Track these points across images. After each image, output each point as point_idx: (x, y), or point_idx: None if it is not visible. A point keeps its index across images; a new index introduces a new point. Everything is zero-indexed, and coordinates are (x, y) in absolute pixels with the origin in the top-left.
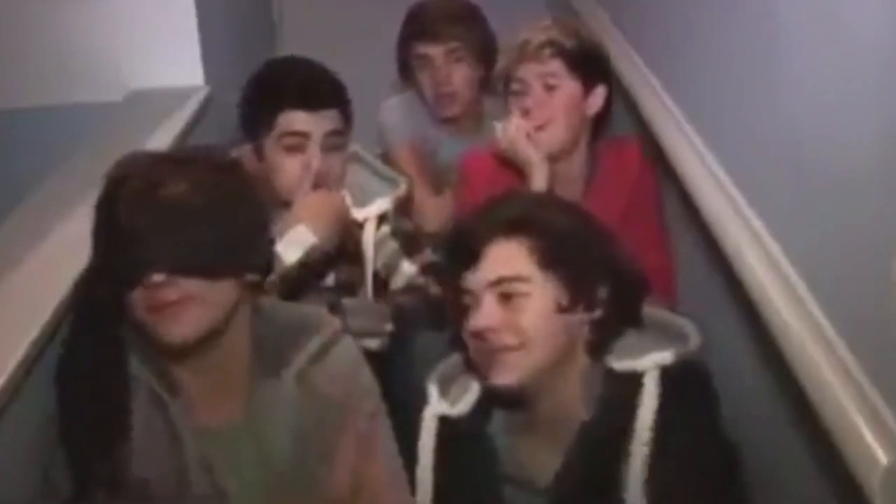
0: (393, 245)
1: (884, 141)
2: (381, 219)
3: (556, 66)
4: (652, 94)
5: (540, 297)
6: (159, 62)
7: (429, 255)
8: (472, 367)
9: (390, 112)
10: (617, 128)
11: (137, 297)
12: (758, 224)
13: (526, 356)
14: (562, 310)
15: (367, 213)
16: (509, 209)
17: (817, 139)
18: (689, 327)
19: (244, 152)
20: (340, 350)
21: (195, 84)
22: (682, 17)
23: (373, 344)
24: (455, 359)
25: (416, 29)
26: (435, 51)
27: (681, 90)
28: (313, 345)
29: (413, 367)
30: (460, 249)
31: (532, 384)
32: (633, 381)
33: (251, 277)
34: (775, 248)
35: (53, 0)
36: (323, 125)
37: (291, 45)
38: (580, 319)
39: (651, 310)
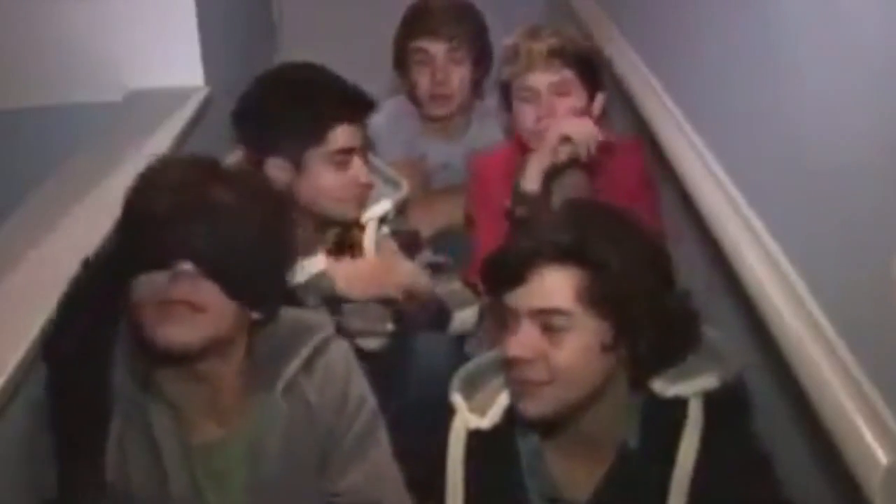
0: (392, 245)
1: (884, 140)
2: (382, 219)
3: (568, 74)
4: (652, 94)
5: (580, 333)
6: (159, 62)
7: (429, 255)
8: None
9: (376, 124)
10: (617, 128)
11: (146, 291)
12: (758, 224)
13: (557, 391)
14: (603, 348)
15: (370, 215)
16: (564, 231)
17: (817, 139)
18: (721, 343)
19: (239, 157)
20: (330, 358)
21: (195, 84)
22: (682, 16)
23: (372, 344)
24: (476, 364)
25: (418, 24)
26: (437, 47)
27: (681, 90)
28: (303, 354)
29: (413, 367)
30: (506, 266)
31: (566, 413)
32: (677, 406)
33: (257, 316)
34: (775, 248)
35: (53, 0)
36: (362, 137)
37: (291, 45)
38: (621, 355)
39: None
